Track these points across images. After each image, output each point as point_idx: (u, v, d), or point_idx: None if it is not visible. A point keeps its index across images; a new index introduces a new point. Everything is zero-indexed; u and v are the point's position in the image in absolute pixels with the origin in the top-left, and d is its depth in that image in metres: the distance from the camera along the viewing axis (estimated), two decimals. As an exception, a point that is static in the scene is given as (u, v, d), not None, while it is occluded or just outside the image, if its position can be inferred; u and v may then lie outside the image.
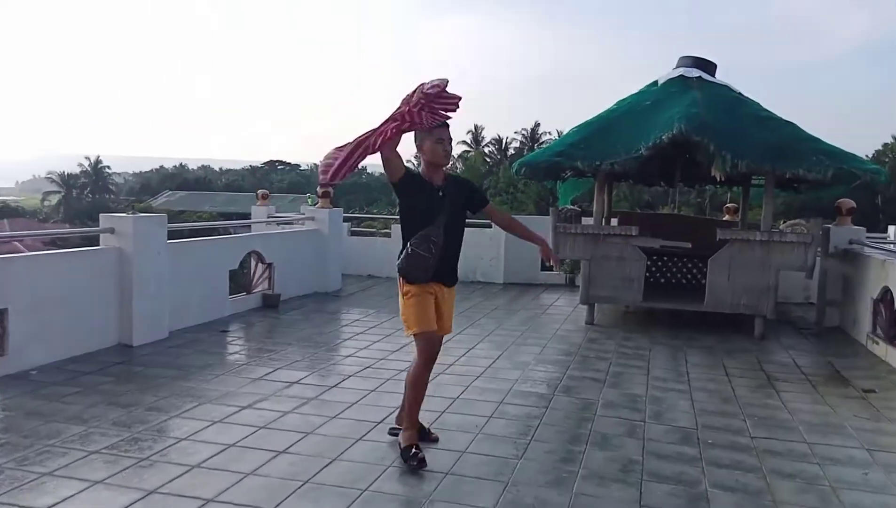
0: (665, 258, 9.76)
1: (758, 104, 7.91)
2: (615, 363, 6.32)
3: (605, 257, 7.90)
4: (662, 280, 9.79)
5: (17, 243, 22.64)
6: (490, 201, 4.24)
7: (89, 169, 78.81)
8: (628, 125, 7.72)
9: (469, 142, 65.07)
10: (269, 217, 10.92)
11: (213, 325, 7.55)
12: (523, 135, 63.12)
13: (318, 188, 10.27)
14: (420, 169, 4.12)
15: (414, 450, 3.90)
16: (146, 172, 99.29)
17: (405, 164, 3.98)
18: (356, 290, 10.38)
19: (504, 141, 65.24)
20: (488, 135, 68.09)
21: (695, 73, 8.15)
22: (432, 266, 3.92)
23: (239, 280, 8.97)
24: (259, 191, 11.15)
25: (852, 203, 8.47)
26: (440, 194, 3.97)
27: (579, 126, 8.03)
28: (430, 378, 5.19)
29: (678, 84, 8.09)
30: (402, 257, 3.99)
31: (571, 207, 9.47)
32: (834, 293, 8.34)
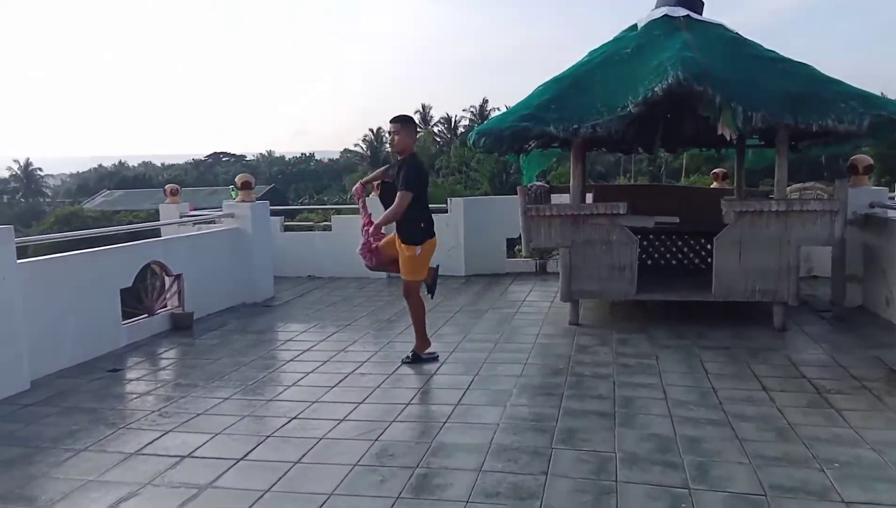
0: (651, 237, 8.40)
1: (760, 45, 6.52)
2: (620, 382, 4.89)
3: (589, 243, 6.46)
4: (650, 262, 8.43)
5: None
6: (404, 189, 5.21)
7: (19, 173, 74.60)
8: (607, 79, 6.25)
9: (417, 123, 63.31)
10: (181, 217, 9.18)
11: (99, 362, 5.86)
12: (472, 112, 61.66)
13: (236, 178, 8.56)
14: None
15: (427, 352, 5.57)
16: (84, 172, 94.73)
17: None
18: (292, 297, 8.74)
19: (453, 119, 63.69)
20: (437, 114, 66.35)
21: (681, 11, 6.71)
22: None
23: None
24: (167, 186, 9.38)
25: (870, 160, 7.21)
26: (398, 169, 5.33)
27: (547, 84, 6.52)
28: (377, 436, 4.06)
29: (662, 26, 6.64)
30: None
31: (540, 183, 8.01)
32: (855, 267, 7.07)
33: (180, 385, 5.22)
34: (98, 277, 6.15)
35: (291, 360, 5.84)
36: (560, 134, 5.91)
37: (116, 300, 6.36)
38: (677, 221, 7.68)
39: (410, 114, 5.45)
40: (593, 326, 6.65)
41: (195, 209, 10.28)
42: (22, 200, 73.12)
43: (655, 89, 5.59)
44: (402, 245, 5.38)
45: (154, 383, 5.34)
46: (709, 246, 8.37)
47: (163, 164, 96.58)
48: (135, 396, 5.02)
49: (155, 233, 9.50)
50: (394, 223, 5.38)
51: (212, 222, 9.20)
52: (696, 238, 8.43)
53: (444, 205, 10.15)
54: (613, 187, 10.79)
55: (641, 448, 3.72)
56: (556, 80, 6.46)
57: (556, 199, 8.55)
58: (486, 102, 61.14)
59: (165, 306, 7.33)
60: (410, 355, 5.58)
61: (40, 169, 77.01)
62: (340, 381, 5.16)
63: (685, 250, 8.48)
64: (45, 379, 5.39)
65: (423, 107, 64.34)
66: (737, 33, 6.60)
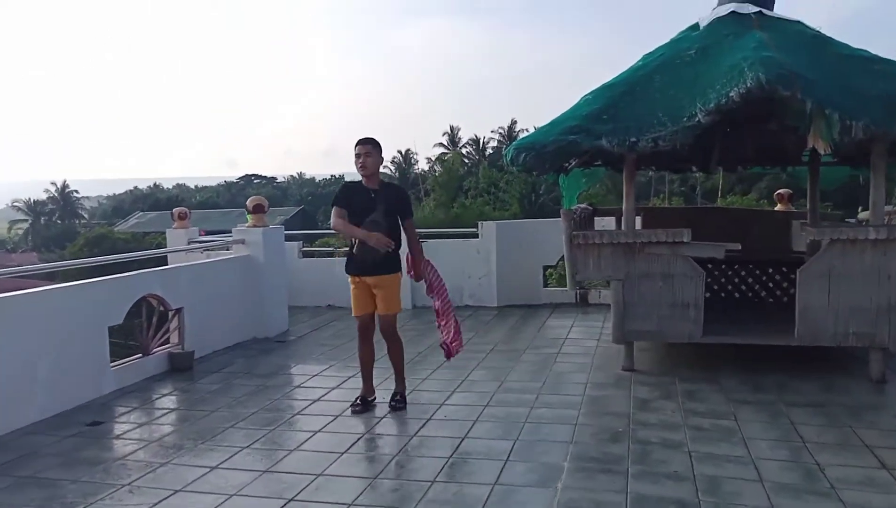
0: (710, 267, 7.41)
1: (847, 45, 5.57)
2: (697, 454, 3.92)
3: (646, 276, 5.54)
4: (708, 295, 7.41)
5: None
6: (412, 216, 4.96)
7: (56, 195, 76.01)
8: (668, 85, 5.36)
9: (446, 144, 62.92)
10: (189, 243, 8.45)
11: (79, 414, 5.08)
12: (500, 134, 61.07)
13: (248, 201, 7.81)
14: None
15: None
16: (120, 194, 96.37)
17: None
18: (308, 330, 7.92)
19: (481, 141, 63.17)
20: (465, 135, 65.85)
21: (750, 8, 5.80)
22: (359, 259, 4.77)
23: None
24: (175, 209, 8.66)
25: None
26: (371, 195, 4.79)
27: (596, 91, 5.64)
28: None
29: (731, 24, 5.74)
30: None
31: (585, 206, 7.09)
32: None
33: (164, 447, 4.39)
34: (82, 314, 5.39)
35: (298, 413, 4.99)
36: (615, 149, 5.01)
37: (104, 340, 5.59)
38: (739, 247, 6.76)
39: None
40: (651, 373, 5.68)
41: (207, 233, 9.58)
42: (58, 221, 74.41)
43: (731, 95, 4.68)
44: (387, 276, 4.82)
45: (134, 442, 4.51)
46: (777, 277, 7.38)
47: (196, 186, 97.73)
48: (107, 461, 4.19)
49: (163, 261, 8.79)
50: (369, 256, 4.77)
51: (225, 248, 8.44)
52: (761, 268, 7.43)
53: (475, 229, 9.29)
54: (665, 211, 9.84)
55: (748, 566, 2.76)
56: (607, 86, 5.58)
57: (598, 223, 7.66)
58: (514, 123, 60.61)
59: (167, 341, 6.57)
60: (399, 398, 5.01)
61: (76, 191, 78.36)
62: (352, 445, 4.28)
63: (749, 281, 7.47)
64: (11, 437, 4.61)
65: (452, 128, 63.94)
66: (818, 31, 5.67)
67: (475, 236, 9.20)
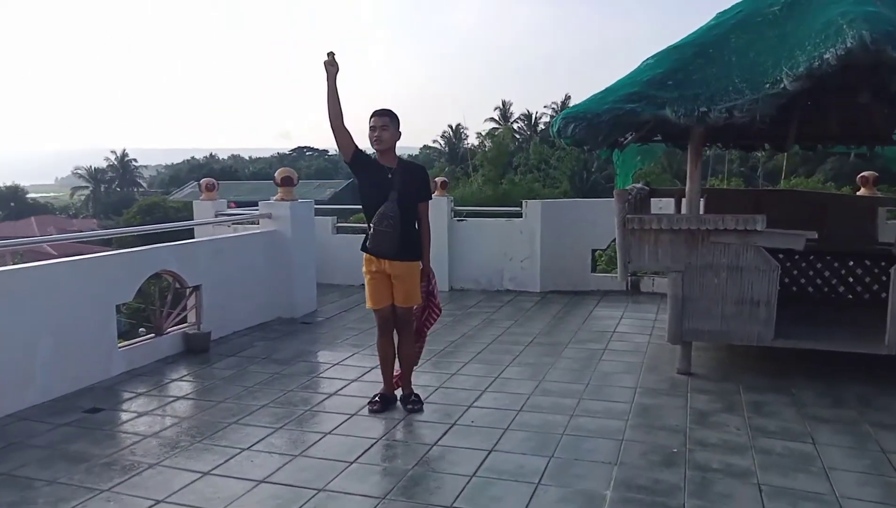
0: (781, 257, 6.61)
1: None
2: (768, 488, 3.27)
3: (710, 268, 4.84)
4: (778, 289, 6.64)
5: (47, 246, 21.01)
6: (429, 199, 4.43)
7: (116, 163, 77.86)
8: (747, 46, 4.57)
9: (497, 119, 61.72)
10: (216, 215, 8.05)
11: (80, 398, 4.72)
12: (553, 109, 59.41)
13: (276, 173, 7.33)
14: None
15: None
16: (177, 163, 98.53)
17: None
18: (336, 311, 7.46)
19: (533, 116, 61.69)
20: (517, 110, 64.41)
21: (846, -41, 4.94)
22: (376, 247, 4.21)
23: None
24: (203, 181, 8.24)
25: None
26: (389, 175, 4.24)
27: (660, 54, 4.90)
28: None
29: (821, -23, 4.90)
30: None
31: (641, 186, 6.37)
32: None
33: (159, 443, 3.96)
34: (87, 290, 5.00)
35: (310, 409, 4.51)
36: (681, 120, 4.28)
37: (111, 318, 5.22)
38: (815, 236, 5.97)
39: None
40: (710, 378, 5.00)
41: (236, 206, 9.19)
42: (117, 189, 76.40)
43: (826, 56, 3.90)
44: (409, 263, 4.30)
45: (128, 436, 4.10)
46: (858, 271, 6.55)
47: (250, 157, 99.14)
48: (93, 458, 3.77)
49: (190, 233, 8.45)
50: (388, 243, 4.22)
51: (254, 222, 8.01)
52: (840, 260, 6.60)
53: (519, 208, 8.64)
54: (729, 193, 8.96)
55: None
56: (673, 48, 4.82)
57: (655, 206, 6.93)
58: (568, 98, 58.70)
59: (184, 321, 6.19)
60: (414, 398, 4.48)
61: (135, 160, 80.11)
62: (363, 453, 3.76)
63: (826, 274, 6.64)
64: (3, 422, 4.26)
65: (504, 103, 62.63)
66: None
67: (519, 215, 8.56)
